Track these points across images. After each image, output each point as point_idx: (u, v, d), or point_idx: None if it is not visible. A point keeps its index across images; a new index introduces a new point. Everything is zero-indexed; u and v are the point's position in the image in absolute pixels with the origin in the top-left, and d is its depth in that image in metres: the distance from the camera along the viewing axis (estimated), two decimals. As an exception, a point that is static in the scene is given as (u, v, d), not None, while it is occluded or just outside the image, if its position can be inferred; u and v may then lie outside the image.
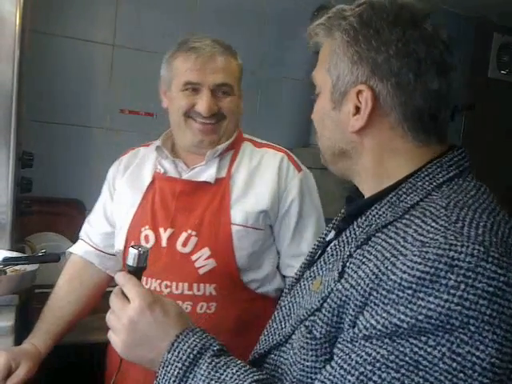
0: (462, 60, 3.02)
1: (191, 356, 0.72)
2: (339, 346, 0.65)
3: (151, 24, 2.28)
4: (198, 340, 0.73)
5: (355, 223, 0.74)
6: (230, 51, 1.28)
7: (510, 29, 3.21)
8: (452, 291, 0.57)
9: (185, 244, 1.22)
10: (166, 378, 0.72)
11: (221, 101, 1.25)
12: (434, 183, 0.69)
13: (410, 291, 0.59)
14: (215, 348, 0.73)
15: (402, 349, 0.59)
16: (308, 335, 0.68)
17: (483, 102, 3.00)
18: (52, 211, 2.09)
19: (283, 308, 0.80)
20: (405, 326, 0.59)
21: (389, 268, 0.61)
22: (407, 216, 0.66)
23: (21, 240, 1.75)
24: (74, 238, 2.10)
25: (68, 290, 1.33)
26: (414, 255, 0.60)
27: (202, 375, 0.71)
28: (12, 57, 1.41)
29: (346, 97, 0.73)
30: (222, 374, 0.71)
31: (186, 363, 0.71)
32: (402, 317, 0.59)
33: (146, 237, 1.25)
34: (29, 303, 1.65)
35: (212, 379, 0.70)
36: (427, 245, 0.60)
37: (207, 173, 1.26)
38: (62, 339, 1.29)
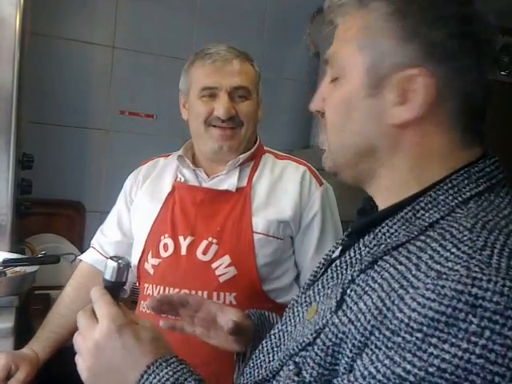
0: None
1: None
2: None
3: (151, 25, 2.28)
4: (170, 373, 0.64)
5: (361, 241, 0.63)
6: (246, 56, 1.29)
7: (511, 30, 3.21)
8: (473, 339, 0.45)
9: (205, 252, 1.21)
10: None
11: (238, 104, 1.25)
12: (460, 198, 0.57)
13: (419, 335, 0.47)
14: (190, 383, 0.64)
15: None
16: (296, 378, 0.57)
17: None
18: (52, 213, 2.10)
19: (272, 337, 0.70)
20: (411, 378, 0.47)
21: (395, 303, 0.50)
22: (423, 237, 0.55)
23: (21, 241, 1.75)
24: (73, 240, 2.12)
25: (73, 299, 1.32)
26: (428, 289, 0.48)
27: None
28: (12, 59, 1.42)
29: (388, 82, 0.59)
30: None
31: None
32: (409, 367, 0.47)
33: (165, 245, 1.24)
34: (29, 305, 1.65)
35: None
36: (444, 277, 0.48)
37: (228, 182, 1.27)
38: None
